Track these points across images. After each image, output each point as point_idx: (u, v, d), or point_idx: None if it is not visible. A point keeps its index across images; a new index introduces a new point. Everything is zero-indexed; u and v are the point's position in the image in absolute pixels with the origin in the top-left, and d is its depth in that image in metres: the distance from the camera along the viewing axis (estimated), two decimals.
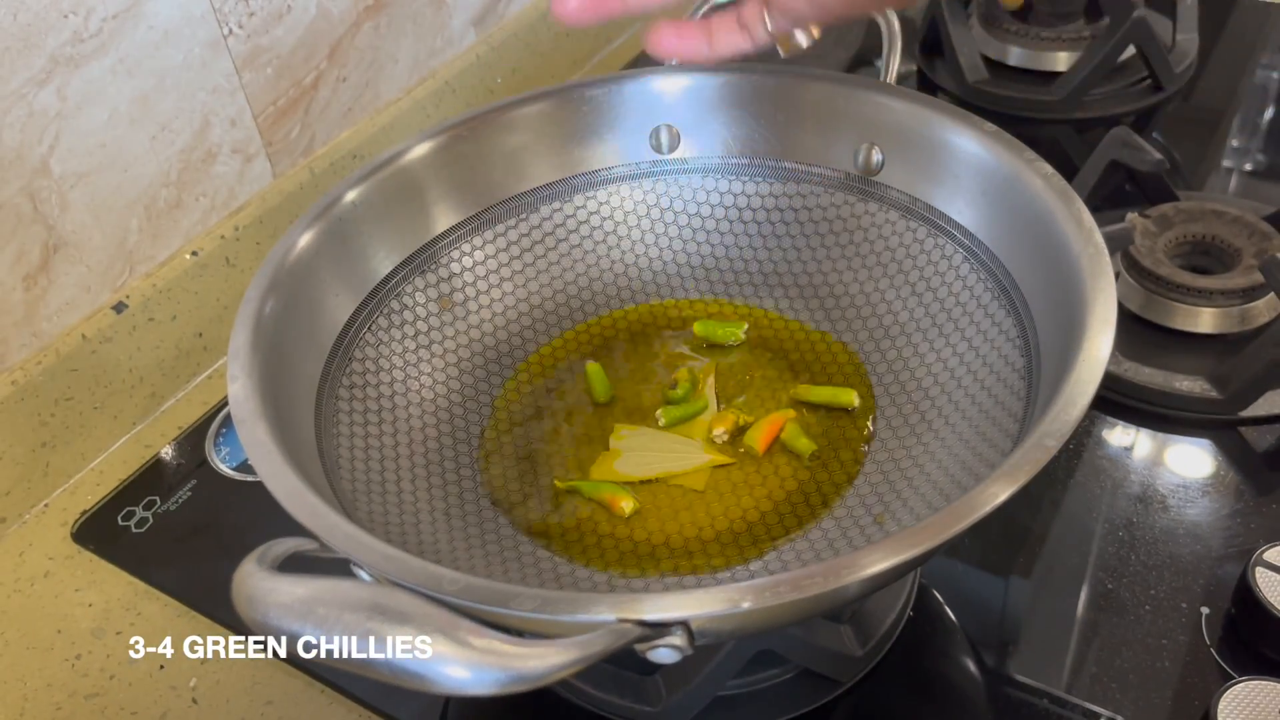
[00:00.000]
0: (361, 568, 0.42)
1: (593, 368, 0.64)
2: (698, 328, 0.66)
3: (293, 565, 0.40)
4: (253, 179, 0.83)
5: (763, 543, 0.55)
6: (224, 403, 0.79)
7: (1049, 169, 0.55)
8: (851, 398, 0.60)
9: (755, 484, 0.58)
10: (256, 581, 0.39)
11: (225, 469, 0.73)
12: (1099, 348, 0.45)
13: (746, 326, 0.66)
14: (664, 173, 0.69)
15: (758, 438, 0.60)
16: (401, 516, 0.55)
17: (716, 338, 0.66)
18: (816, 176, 0.66)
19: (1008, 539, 0.63)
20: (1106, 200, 0.82)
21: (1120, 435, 0.69)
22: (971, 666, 0.57)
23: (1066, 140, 0.96)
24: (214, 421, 0.77)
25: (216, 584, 0.54)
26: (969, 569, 0.62)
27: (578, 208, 0.69)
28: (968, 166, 0.59)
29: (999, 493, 0.40)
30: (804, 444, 0.59)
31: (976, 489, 0.40)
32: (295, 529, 0.43)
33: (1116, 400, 0.70)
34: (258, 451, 0.46)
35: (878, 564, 0.38)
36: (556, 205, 0.68)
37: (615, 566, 0.54)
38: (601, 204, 0.69)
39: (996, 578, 0.61)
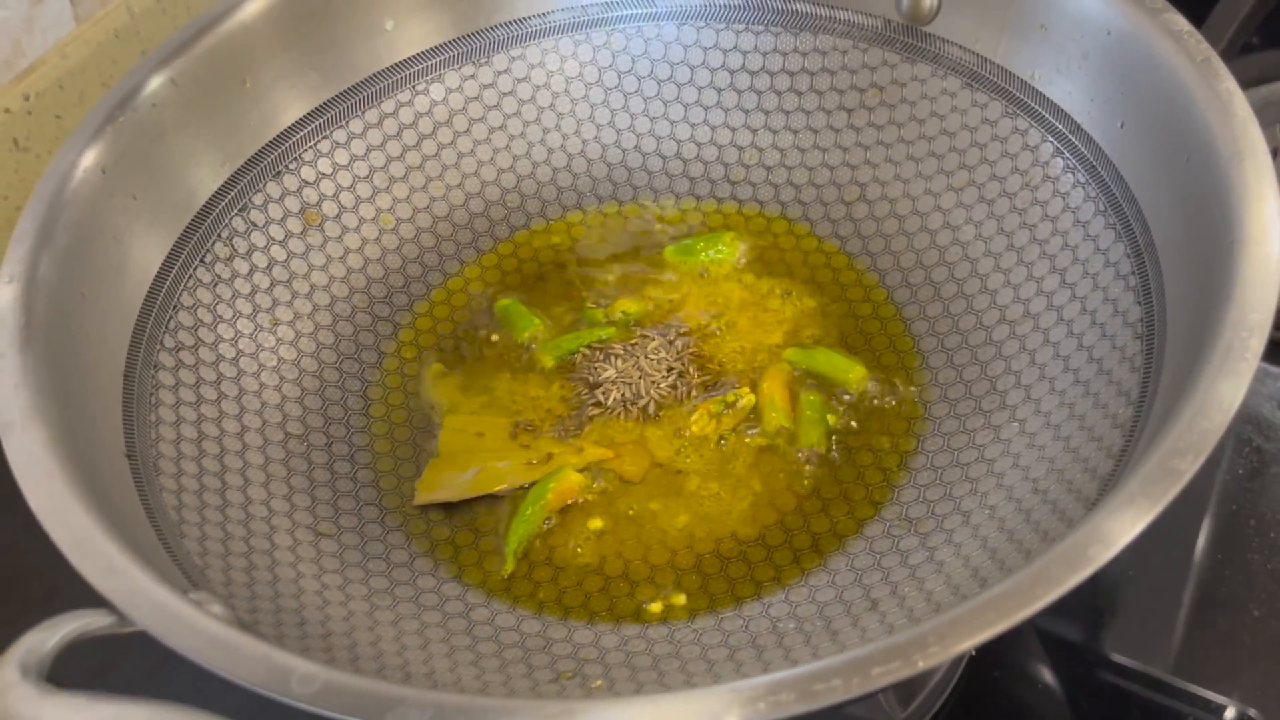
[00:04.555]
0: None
1: (509, 305, 0.63)
2: (670, 254, 0.65)
3: (83, 656, 0.40)
4: (47, 26, 0.79)
5: (762, 576, 0.53)
6: None
7: (1183, 24, 0.53)
8: (858, 375, 0.58)
9: (751, 486, 0.56)
10: (14, 703, 0.38)
11: None
12: (1258, 304, 0.43)
13: (740, 245, 0.65)
14: (622, 19, 0.68)
15: (776, 406, 0.58)
16: (251, 542, 0.53)
17: (696, 261, 0.64)
18: (843, 25, 0.65)
19: None
20: (1262, 35, 0.79)
21: (1267, 389, 0.67)
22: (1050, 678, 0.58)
23: None
24: None
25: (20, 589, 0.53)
26: None
27: (498, 73, 0.67)
28: (1062, 15, 0.57)
29: (1107, 541, 0.39)
30: (817, 434, 0.57)
31: (1074, 534, 0.39)
32: None
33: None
34: (30, 474, 0.45)
35: (927, 657, 0.37)
36: (468, 72, 0.67)
37: (553, 609, 0.53)
38: (533, 67, 0.68)
39: None
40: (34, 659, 0.38)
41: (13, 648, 0.39)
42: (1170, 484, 0.39)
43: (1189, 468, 0.39)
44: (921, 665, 0.36)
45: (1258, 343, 0.42)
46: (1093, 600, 0.59)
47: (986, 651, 0.58)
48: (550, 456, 0.57)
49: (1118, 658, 0.57)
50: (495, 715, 0.36)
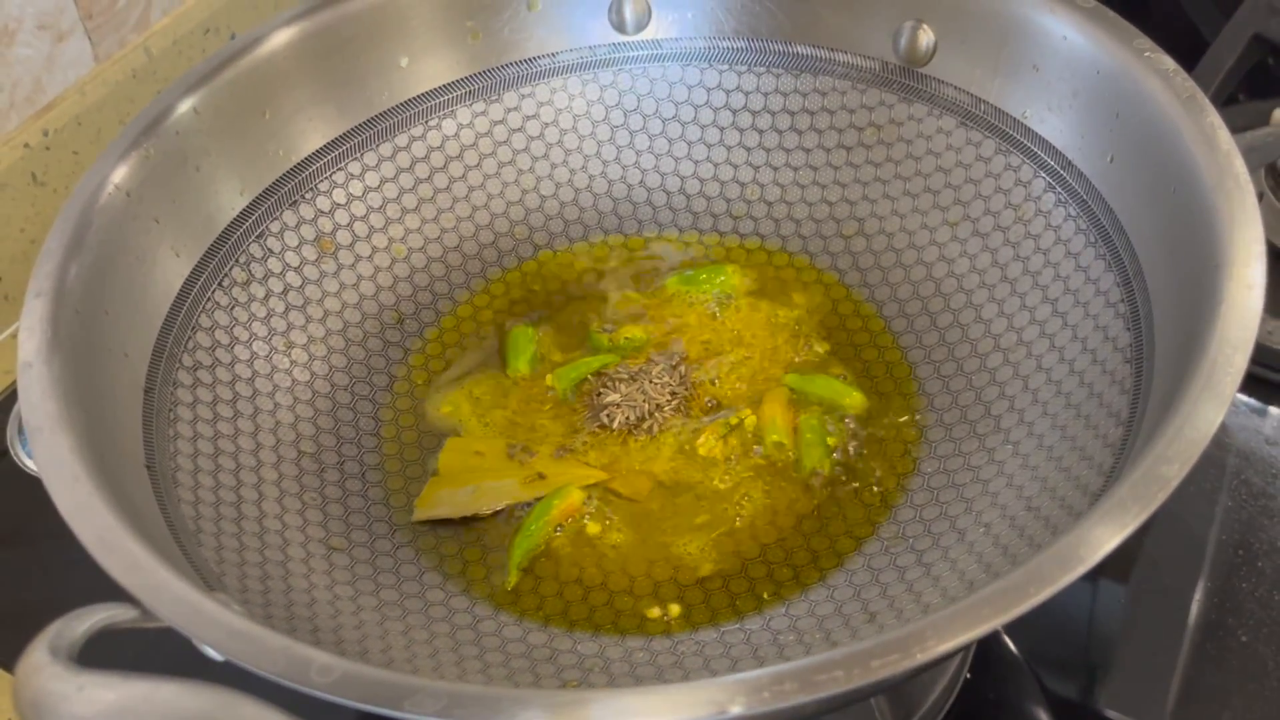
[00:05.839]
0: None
1: (517, 332, 0.65)
2: (673, 284, 0.66)
3: (107, 646, 0.40)
4: (67, 64, 0.81)
5: (763, 591, 0.54)
6: None
7: (1170, 63, 0.54)
8: (855, 400, 0.60)
9: (755, 506, 0.57)
10: (46, 682, 0.38)
11: (34, 465, 0.71)
12: (1241, 325, 0.45)
13: (741, 276, 0.66)
14: (628, 60, 0.69)
15: (777, 427, 0.59)
16: (265, 554, 0.54)
17: (699, 291, 0.66)
18: (842, 67, 0.66)
19: None
20: (1247, 87, 0.80)
21: (1254, 422, 0.68)
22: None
23: (1192, 3, 0.93)
24: (18, 401, 0.75)
25: (22, 620, 0.52)
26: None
27: (508, 110, 0.68)
28: (1054, 56, 0.58)
29: (1097, 543, 0.39)
30: (817, 455, 0.58)
31: (1066, 537, 0.40)
32: None
33: (1253, 373, 0.68)
34: (57, 475, 0.46)
35: (925, 649, 0.37)
36: (479, 108, 0.68)
37: (559, 622, 0.54)
38: (541, 105, 0.69)
39: (1080, 593, 0.61)
40: (63, 643, 0.39)
41: (41, 634, 0.39)
42: (1158, 489, 0.40)
43: (1176, 475, 0.40)
44: (920, 658, 0.37)
45: (1241, 359, 0.43)
46: (1089, 656, 0.59)
47: (982, 675, 0.58)
48: (541, 476, 0.58)
49: (1113, 714, 0.57)
50: (508, 704, 0.37)
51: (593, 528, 0.57)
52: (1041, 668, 0.59)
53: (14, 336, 0.80)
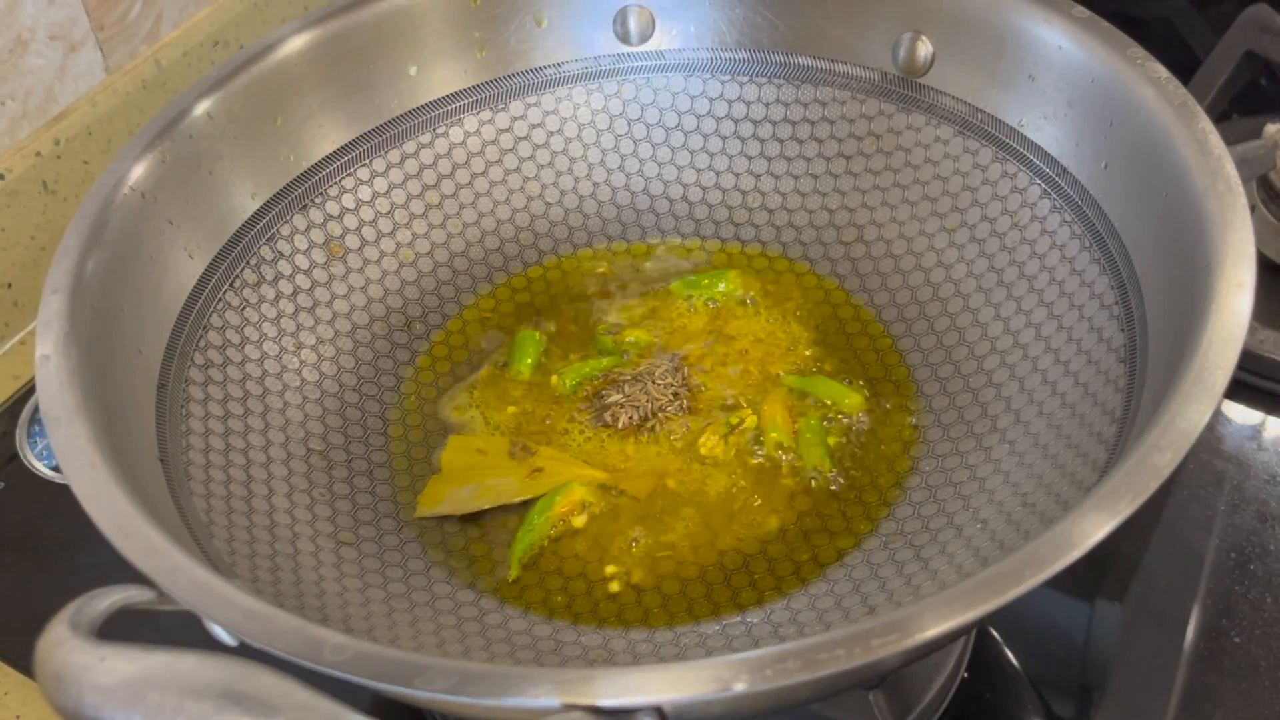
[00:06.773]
0: (217, 627, 0.42)
1: (523, 335, 0.65)
2: (676, 288, 0.67)
3: (123, 625, 0.41)
4: (79, 75, 0.81)
5: (764, 586, 0.55)
6: None
7: (1162, 71, 0.55)
8: (854, 401, 0.61)
9: (753, 503, 0.58)
10: (68, 654, 0.38)
11: (43, 468, 0.72)
12: (1231, 322, 0.45)
13: (743, 281, 0.67)
14: (633, 70, 0.70)
15: (778, 426, 0.60)
16: (275, 546, 0.54)
17: (701, 295, 0.67)
18: (842, 77, 0.67)
19: (1089, 564, 0.62)
20: (1239, 104, 0.81)
21: (1246, 429, 0.68)
22: None
23: (1184, 21, 0.94)
24: (28, 404, 0.76)
25: (30, 622, 0.53)
26: (1040, 602, 0.61)
27: (514, 119, 0.69)
28: (1049, 66, 0.59)
29: (1091, 530, 0.40)
30: (817, 454, 0.59)
31: (1061, 523, 0.40)
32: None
33: (1246, 381, 0.70)
34: (74, 462, 0.46)
35: (923, 630, 0.38)
36: (485, 116, 0.69)
37: (564, 615, 0.55)
38: (547, 114, 0.70)
39: (1077, 614, 0.61)
40: (83, 619, 0.39)
41: (61, 611, 0.39)
42: (1150, 478, 0.41)
43: (1168, 464, 0.41)
44: (919, 638, 0.38)
45: (1232, 354, 0.44)
46: (1085, 674, 0.60)
47: (979, 676, 0.59)
48: (540, 470, 0.59)
49: None
50: (516, 681, 0.37)
51: (595, 524, 0.58)
52: (1039, 683, 0.59)
53: (22, 343, 0.81)
